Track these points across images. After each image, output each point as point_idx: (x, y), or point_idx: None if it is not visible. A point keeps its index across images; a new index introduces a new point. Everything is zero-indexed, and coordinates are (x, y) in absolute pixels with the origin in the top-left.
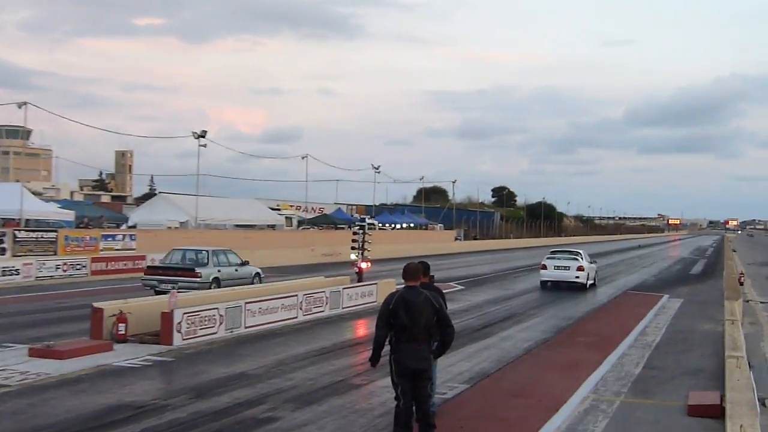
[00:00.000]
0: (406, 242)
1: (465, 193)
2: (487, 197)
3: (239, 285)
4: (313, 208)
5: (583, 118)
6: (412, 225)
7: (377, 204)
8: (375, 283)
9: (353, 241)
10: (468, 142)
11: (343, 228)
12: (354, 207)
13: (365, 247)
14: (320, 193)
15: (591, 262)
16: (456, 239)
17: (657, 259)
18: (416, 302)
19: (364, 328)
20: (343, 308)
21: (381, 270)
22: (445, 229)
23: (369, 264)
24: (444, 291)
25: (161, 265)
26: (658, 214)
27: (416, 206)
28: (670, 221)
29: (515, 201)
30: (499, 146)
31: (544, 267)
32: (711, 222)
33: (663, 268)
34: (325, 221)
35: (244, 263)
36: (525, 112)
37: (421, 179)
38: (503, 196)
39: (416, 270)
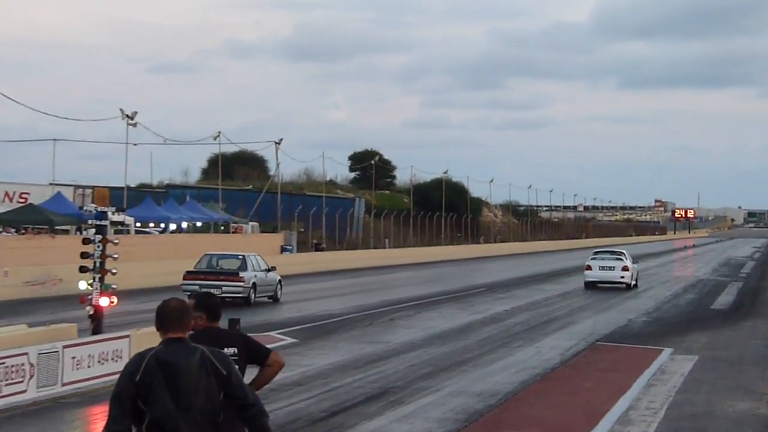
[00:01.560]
0: (189, 256)
1: (300, 164)
2: (341, 171)
3: (268, 292)
4: (7, 194)
5: (518, 24)
6: (199, 224)
7: (132, 186)
8: (127, 336)
9: (84, 256)
10: (306, 69)
11: (66, 231)
12: (87, 190)
13: (108, 268)
14: (20, 164)
15: (634, 263)
16: (284, 250)
17: (652, 283)
18: (185, 367)
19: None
20: (64, 384)
21: (140, 311)
22: (264, 232)
23: (115, 300)
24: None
25: (203, 269)
26: (656, 201)
27: (208, 188)
28: (678, 213)
29: (393, 177)
30: (365, 76)
31: (589, 268)
32: (751, 214)
33: (663, 300)
34: (31, 218)
35: (271, 269)
36: (411, 11)
37: (216, 138)
38: (371, 168)
39: (181, 311)
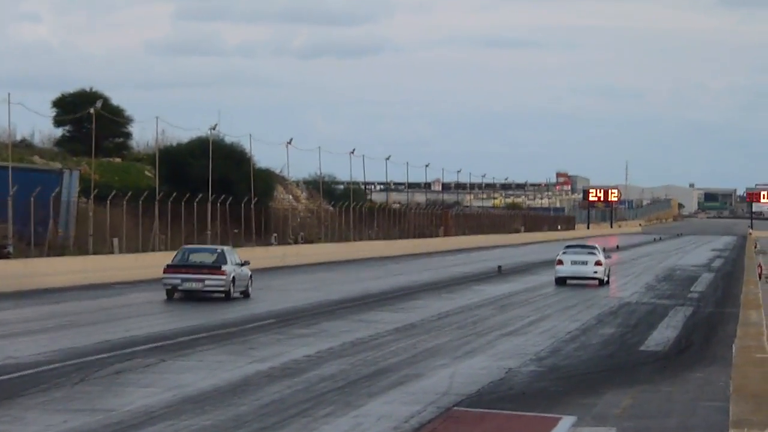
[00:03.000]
0: None
1: None
2: (41, 125)
3: (241, 287)
4: None
5: None
6: None
7: None
8: None
9: None
10: None
11: None
12: None
13: None
14: None
15: (607, 257)
16: None
17: (547, 310)
18: None
19: None
20: None
21: None
22: None
23: None
24: None
25: (183, 263)
26: (560, 176)
27: None
28: (593, 194)
29: (128, 136)
30: None
31: (560, 262)
32: (710, 196)
33: (564, 337)
34: None
35: (245, 263)
36: None
37: None
38: (90, 121)
39: None
